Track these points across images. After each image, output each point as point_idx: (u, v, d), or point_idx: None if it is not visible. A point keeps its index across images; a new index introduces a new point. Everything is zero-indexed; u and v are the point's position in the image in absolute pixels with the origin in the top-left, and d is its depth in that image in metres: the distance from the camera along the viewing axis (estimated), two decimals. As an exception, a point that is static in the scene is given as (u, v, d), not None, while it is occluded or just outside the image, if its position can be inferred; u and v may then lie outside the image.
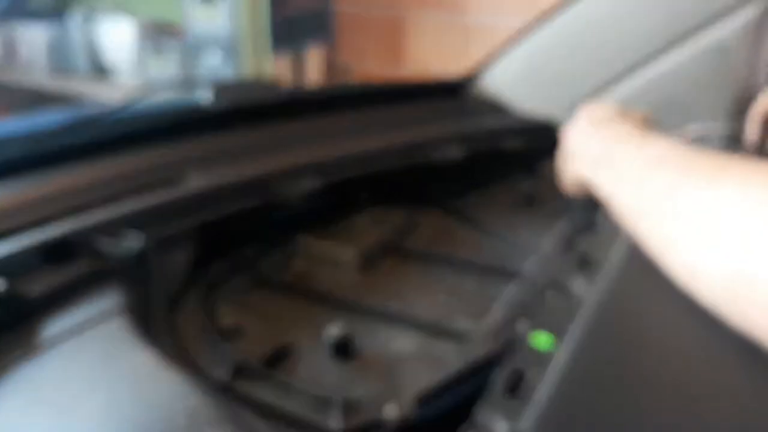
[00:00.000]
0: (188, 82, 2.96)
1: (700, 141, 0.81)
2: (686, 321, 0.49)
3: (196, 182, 0.76)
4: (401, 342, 0.65)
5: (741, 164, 0.46)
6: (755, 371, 0.44)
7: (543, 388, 0.45)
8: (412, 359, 0.62)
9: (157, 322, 0.61)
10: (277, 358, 0.61)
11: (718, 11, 0.94)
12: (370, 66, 3.43)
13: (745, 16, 0.93)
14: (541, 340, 0.51)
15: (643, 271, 0.54)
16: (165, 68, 3.24)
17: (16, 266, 0.57)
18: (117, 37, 3.44)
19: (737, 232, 0.41)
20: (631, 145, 0.60)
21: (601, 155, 0.64)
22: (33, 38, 3.70)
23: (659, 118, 1.01)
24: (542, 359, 0.49)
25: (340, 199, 0.89)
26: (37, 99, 3.97)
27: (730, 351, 0.46)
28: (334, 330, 0.61)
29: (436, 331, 0.66)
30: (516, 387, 0.46)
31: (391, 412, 0.50)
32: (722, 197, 0.44)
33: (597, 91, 1.06)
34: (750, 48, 0.93)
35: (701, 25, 0.96)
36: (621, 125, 0.66)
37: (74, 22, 3.57)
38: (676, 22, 0.98)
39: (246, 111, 0.91)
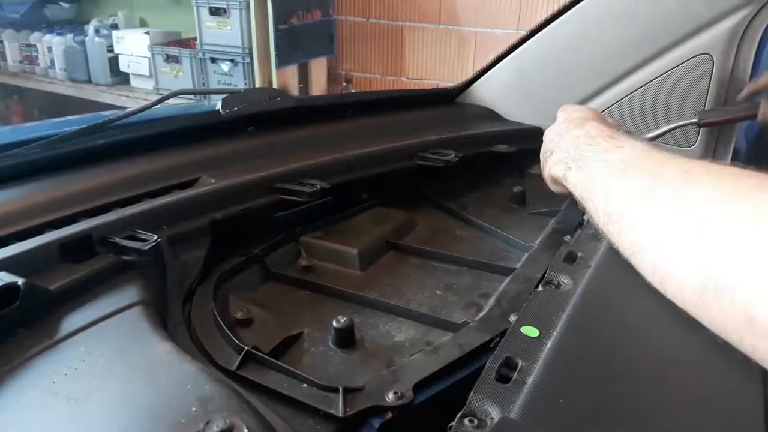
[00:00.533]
0: (200, 90, 2.97)
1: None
2: (664, 312, 0.50)
3: (208, 183, 0.76)
4: (400, 333, 0.65)
5: (708, 172, 0.45)
6: (722, 354, 0.45)
7: (533, 376, 0.45)
8: (410, 349, 0.62)
9: (172, 314, 0.61)
10: (284, 348, 0.61)
11: (702, 21, 0.94)
12: (370, 74, 3.43)
13: (727, 25, 0.93)
14: (531, 332, 0.52)
15: (625, 266, 0.54)
16: (177, 77, 3.24)
17: (39, 262, 0.57)
18: (132, 48, 3.44)
19: (707, 242, 0.40)
20: (599, 147, 0.59)
21: (571, 156, 0.62)
22: (51, 47, 3.69)
23: (643, 122, 1.01)
24: (532, 349, 0.49)
25: (343, 198, 0.89)
26: (56, 105, 3.97)
27: (701, 344, 0.46)
28: (337, 321, 0.61)
29: (433, 322, 0.66)
30: (507, 375, 0.46)
31: (390, 398, 0.50)
32: (692, 207, 0.43)
33: (585, 98, 1.06)
34: (732, 56, 0.93)
35: (685, 35, 0.96)
36: (592, 125, 0.64)
37: (91, 32, 3.57)
38: (661, 32, 0.97)
39: (255, 117, 0.91)
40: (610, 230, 0.51)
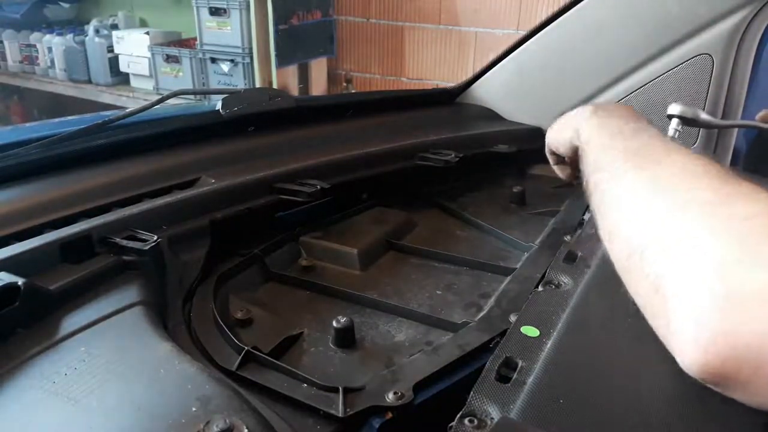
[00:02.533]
0: (200, 90, 2.96)
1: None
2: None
3: (208, 183, 0.76)
4: (400, 333, 0.65)
5: (687, 163, 0.47)
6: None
7: (533, 376, 0.45)
8: (410, 349, 0.62)
9: (172, 314, 0.61)
10: (284, 348, 0.61)
11: (702, 21, 0.94)
12: (370, 75, 3.43)
13: (727, 25, 0.93)
14: (532, 332, 0.52)
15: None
16: (177, 77, 3.24)
17: (39, 262, 0.57)
18: (132, 48, 3.44)
19: (647, 216, 0.44)
20: (605, 113, 0.63)
21: (584, 116, 0.65)
22: (51, 47, 3.69)
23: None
24: (532, 349, 0.49)
25: (343, 198, 0.89)
26: (56, 105, 3.97)
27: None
28: (337, 321, 0.61)
29: (433, 322, 0.66)
30: (507, 375, 0.46)
31: (390, 398, 0.50)
32: (657, 183, 0.46)
33: (585, 98, 1.06)
34: (732, 56, 0.93)
35: (685, 35, 0.96)
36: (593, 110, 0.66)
37: (91, 32, 3.57)
38: (661, 32, 0.97)
39: (255, 117, 0.91)
40: (591, 180, 0.55)
